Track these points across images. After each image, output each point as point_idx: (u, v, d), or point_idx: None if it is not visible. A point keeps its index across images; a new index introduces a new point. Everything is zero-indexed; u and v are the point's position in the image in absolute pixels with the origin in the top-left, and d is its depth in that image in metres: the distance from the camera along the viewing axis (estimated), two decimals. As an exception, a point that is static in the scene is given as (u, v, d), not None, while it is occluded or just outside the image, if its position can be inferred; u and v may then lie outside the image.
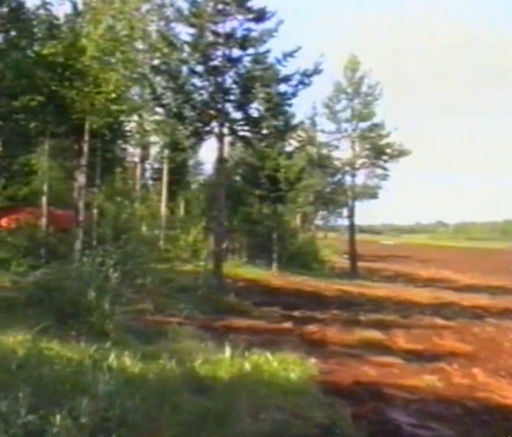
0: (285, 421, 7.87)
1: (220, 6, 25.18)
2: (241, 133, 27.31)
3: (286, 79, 25.82)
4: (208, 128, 26.58)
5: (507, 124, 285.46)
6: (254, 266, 33.62)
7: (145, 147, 36.52)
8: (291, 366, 10.86)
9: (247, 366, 10.43)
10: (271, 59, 25.69)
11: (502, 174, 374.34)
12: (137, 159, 35.67)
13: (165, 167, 36.29)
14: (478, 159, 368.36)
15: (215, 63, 25.64)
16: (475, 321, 20.79)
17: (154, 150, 40.51)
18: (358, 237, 53.50)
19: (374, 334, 16.77)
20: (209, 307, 18.51)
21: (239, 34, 25.58)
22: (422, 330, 17.98)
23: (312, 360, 11.69)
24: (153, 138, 35.82)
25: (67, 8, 22.16)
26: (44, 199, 23.07)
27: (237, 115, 26.59)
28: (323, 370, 11.38)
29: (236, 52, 25.93)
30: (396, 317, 20.26)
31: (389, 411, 9.52)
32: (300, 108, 47.46)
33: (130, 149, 35.91)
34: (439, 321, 20.28)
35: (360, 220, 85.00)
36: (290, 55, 25.35)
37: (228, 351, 10.95)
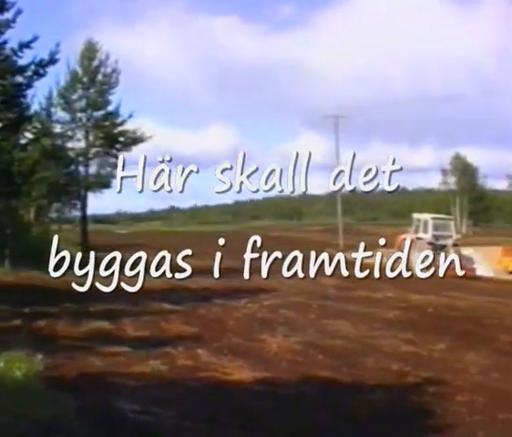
0: (8, 424, 7.81)
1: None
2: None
3: (21, 70, 25.08)
4: None
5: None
6: (-14, 264, 32.05)
7: None
8: (16, 364, 10.78)
9: (-29, 370, 10.23)
10: (7, 51, 24.78)
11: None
12: None
13: None
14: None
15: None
16: (202, 304, 21.60)
17: None
18: (93, 227, 53.10)
19: (103, 324, 17.01)
20: None
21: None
22: (150, 317, 18.53)
23: (39, 357, 11.68)
24: None
25: None
26: None
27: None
28: (50, 366, 11.43)
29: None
30: (126, 305, 20.54)
31: (114, 400, 9.88)
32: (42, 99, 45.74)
33: None
34: (167, 306, 20.83)
35: (95, 210, 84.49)
36: (26, 45, 24.61)
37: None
